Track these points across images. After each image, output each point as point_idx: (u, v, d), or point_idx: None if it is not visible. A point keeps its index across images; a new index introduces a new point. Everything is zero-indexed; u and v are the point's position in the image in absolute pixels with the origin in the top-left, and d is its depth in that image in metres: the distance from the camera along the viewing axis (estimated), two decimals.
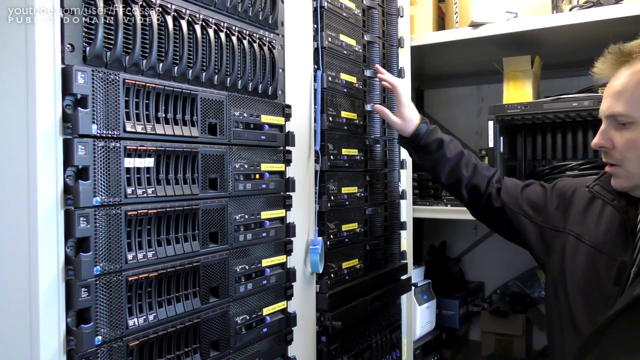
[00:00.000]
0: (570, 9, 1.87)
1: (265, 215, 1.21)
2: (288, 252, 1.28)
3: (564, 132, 2.21)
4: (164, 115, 0.96)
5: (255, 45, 1.17)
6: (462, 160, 1.47)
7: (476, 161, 1.49)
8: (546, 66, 2.25)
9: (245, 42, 1.15)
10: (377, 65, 1.62)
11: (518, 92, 2.08)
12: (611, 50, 1.12)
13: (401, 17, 1.89)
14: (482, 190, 1.45)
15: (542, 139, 2.28)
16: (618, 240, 1.16)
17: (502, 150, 2.08)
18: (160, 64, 0.96)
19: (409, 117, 1.49)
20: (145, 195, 0.92)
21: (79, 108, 0.81)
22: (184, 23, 1.00)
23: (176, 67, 0.99)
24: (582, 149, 2.17)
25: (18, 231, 0.79)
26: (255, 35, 1.18)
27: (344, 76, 1.53)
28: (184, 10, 1.01)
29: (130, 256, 0.90)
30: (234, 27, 1.12)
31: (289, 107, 1.28)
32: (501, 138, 2.07)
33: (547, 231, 1.32)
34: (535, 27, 1.86)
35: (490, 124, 2.03)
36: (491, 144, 2.03)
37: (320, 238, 1.39)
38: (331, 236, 1.46)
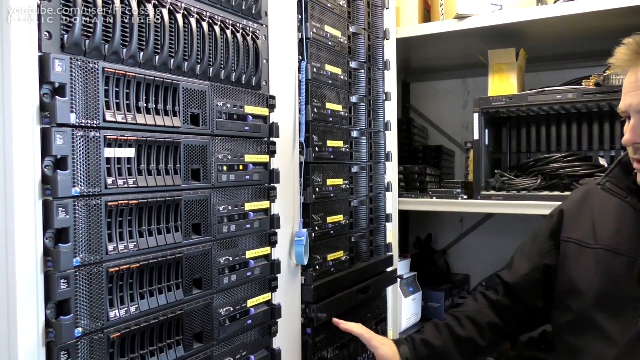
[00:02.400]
0: (555, 2, 1.87)
1: (249, 206, 1.20)
2: (273, 244, 1.28)
3: (548, 124, 2.23)
4: (145, 105, 0.95)
5: (239, 36, 1.16)
6: (455, 332, 1.36)
7: (460, 312, 1.41)
8: (532, 59, 2.27)
9: (228, 32, 1.13)
10: (334, 319, 1.48)
11: (503, 84, 2.09)
12: (632, 40, 1.06)
13: (387, 9, 1.89)
14: (500, 313, 1.37)
15: (527, 131, 2.30)
16: (634, 238, 1.11)
17: (487, 143, 2.10)
18: (141, 53, 0.94)
19: (390, 355, 1.36)
20: (126, 185, 0.91)
21: (57, 97, 0.80)
22: (165, 11, 0.98)
23: (157, 57, 0.97)
24: (566, 141, 2.19)
25: None
26: (238, 25, 1.17)
27: (329, 68, 1.52)
28: None
29: (111, 247, 0.89)
30: (216, 17, 1.11)
31: (273, 98, 1.27)
32: (486, 131, 2.08)
33: (548, 258, 1.29)
34: (520, 19, 1.87)
35: (476, 116, 2.04)
36: (476, 137, 2.05)
37: (305, 230, 1.39)
38: (316, 228, 1.46)
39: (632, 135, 1.06)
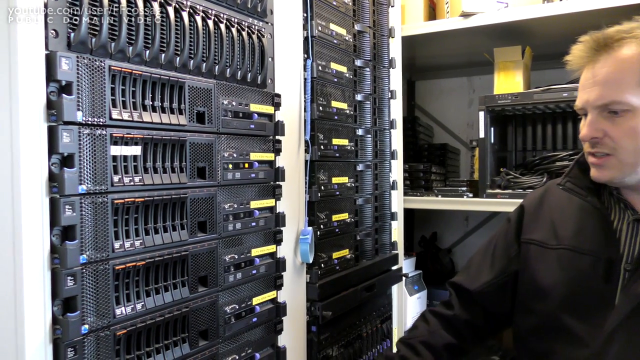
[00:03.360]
0: None
1: (254, 204, 1.20)
2: (278, 241, 1.28)
3: (554, 122, 2.22)
4: (151, 103, 0.95)
5: (244, 34, 1.16)
6: None
7: (413, 339, 1.28)
8: (538, 57, 2.26)
9: (233, 29, 1.13)
10: None
11: (509, 82, 2.09)
12: (588, 38, 1.09)
13: (392, 6, 1.88)
14: (459, 331, 1.28)
15: (533, 129, 2.29)
16: (597, 237, 1.11)
17: (492, 141, 2.09)
18: (147, 51, 0.94)
19: None
20: (132, 183, 0.91)
21: (64, 95, 0.80)
22: (171, 10, 0.98)
23: (163, 55, 0.98)
24: (572, 139, 2.18)
25: (2, 219, 0.78)
26: (244, 23, 1.17)
27: (334, 66, 1.52)
28: None
29: (117, 245, 0.89)
30: (222, 15, 1.11)
31: (278, 96, 1.27)
32: (492, 129, 2.07)
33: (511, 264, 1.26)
34: (526, 17, 1.86)
35: (481, 114, 2.03)
36: (482, 135, 2.04)
37: (310, 228, 1.39)
38: (321, 226, 1.46)
39: (590, 130, 1.06)
